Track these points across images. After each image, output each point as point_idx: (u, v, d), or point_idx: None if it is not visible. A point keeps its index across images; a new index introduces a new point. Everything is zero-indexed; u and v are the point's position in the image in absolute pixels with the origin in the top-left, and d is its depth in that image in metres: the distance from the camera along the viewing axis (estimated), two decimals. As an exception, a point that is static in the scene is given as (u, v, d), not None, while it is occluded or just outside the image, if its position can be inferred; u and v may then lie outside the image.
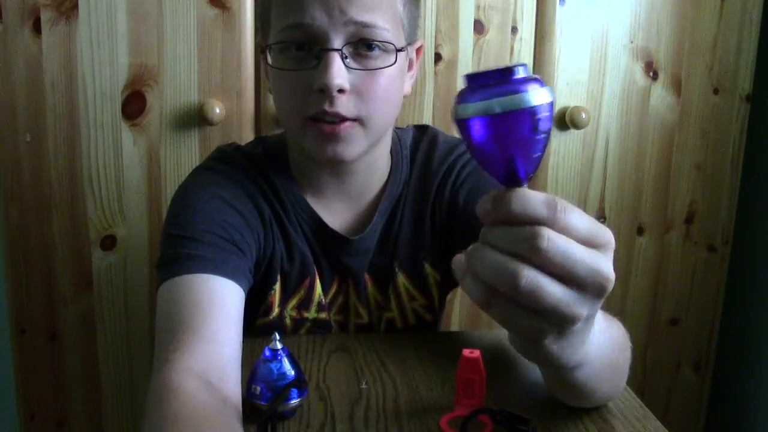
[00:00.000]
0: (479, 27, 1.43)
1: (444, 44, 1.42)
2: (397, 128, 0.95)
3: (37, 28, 1.28)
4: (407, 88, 0.87)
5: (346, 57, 0.76)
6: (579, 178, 1.54)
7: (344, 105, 0.77)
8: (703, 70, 1.53)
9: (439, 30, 1.41)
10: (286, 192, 0.88)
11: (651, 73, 1.52)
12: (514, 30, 1.44)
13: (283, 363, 0.70)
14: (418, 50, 0.89)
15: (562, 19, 1.45)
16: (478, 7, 1.42)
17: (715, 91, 1.55)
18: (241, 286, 0.77)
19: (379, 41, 0.77)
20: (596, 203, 1.56)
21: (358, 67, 0.77)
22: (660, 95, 1.53)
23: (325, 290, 0.92)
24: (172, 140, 1.36)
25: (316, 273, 0.91)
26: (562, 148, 1.52)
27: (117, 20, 1.30)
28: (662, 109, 1.54)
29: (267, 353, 0.70)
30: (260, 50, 0.88)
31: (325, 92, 0.75)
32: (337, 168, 0.86)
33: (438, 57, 1.42)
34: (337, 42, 0.75)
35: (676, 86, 1.53)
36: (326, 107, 0.76)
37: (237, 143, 0.95)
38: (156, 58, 1.32)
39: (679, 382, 1.69)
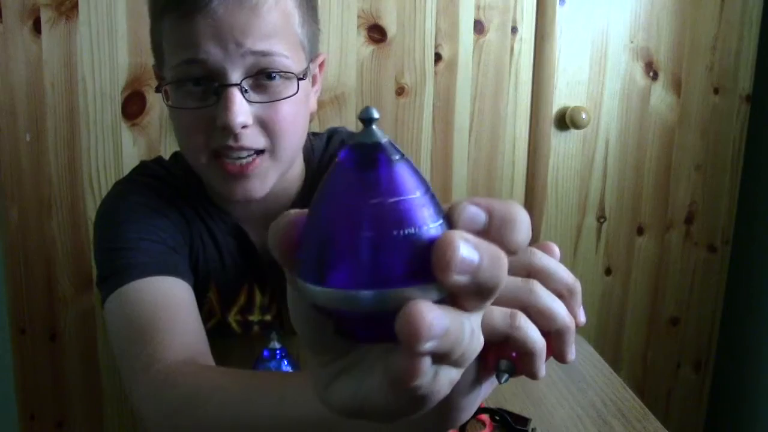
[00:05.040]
0: (479, 27, 1.43)
1: (444, 44, 1.42)
2: (312, 134, 0.93)
3: (37, 28, 1.28)
4: (313, 105, 0.84)
5: (246, 90, 0.72)
6: (579, 178, 1.54)
7: (249, 138, 0.73)
8: (703, 70, 1.53)
9: (439, 30, 1.41)
10: (206, 207, 0.87)
11: (651, 73, 1.52)
12: (514, 30, 1.44)
13: (282, 362, 0.70)
14: (320, 64, 0.86)
15: (562, 19, 1.45)
16: (478, 7, 1.42)
17: (715, 91, 1.55)
18: (186, 281, 0.78)
19: (279, 70, 0.73)
20: (596, 203, 1.56)
21: (260, 100, 0.73)
22: (660, 95, 1.53)
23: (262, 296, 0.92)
24: (172, 140, 1.36)
25: (254, 280, 0.90)
26: (562, 148, 1.52)
27: (117, 20, 1.30)
28: (662, 109, 1.54)
29: (265, 353, 0.70)
30: (156, 80, 0.82)
31: (228, 130, 0.72)
32: (251, 203, 0.82)
33: (438, 57, 1.42)
34: (236, 76, 0.71)
35: (676, 86, 1.53)
36: (231, 143, 0.73)
37: (161, 156, 0.94)
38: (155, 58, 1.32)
39: (679, 382, 1.69)
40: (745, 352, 1.65)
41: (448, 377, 0.29)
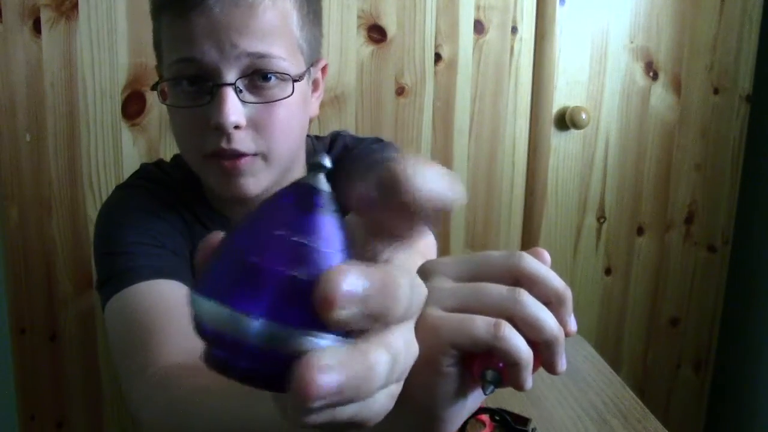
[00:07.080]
0: (479, 27, 1.43)
1: (444, 44, 1.42)
2: (315, 137, 0.93)
3: (37, 28, 1.28)
4: (314, 110, 0.84)
5: (240, 91, 0.72)
6: (579, 178, 1.54)
7: (242, 141, 0.73)
8: (703, 70, 1.53)
9: (439, 30, 1.41)
10: (206, 212, 0.87)
11: (651, 73, 1.52)
12: (514, 30, 1.44)
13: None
14: (323, 69, 0.85)
15: (562, 19, 1.45)
16: (478, 7, 1.42)
17: (715, 91, 1.55)
18: (185, 284, 0.77)
19: (275, 72, 0.73)
20: (596, 203, 1.56)
21: (254, 100, 0.73)
22: (660, 95, 1.53)
23: None
24: (172, 140, 1.36)
25: None
26: (562, 148, 1.52)
27: (117, 20, 1.30)
28: (662, 109, 1.54)
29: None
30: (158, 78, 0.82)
31: (220, 129, 0.71)
32: (247, 202, 0.79)
33: (438, 57, 1.42)
34: (230, 76, 0.71)
35: (676, 86, 1.53)
36: (223, 144, 0.72)
37: (161, 159, 0.94)
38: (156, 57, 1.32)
39: (679, 382, 1.69)
40: (745, 352, 1.65)
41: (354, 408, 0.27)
